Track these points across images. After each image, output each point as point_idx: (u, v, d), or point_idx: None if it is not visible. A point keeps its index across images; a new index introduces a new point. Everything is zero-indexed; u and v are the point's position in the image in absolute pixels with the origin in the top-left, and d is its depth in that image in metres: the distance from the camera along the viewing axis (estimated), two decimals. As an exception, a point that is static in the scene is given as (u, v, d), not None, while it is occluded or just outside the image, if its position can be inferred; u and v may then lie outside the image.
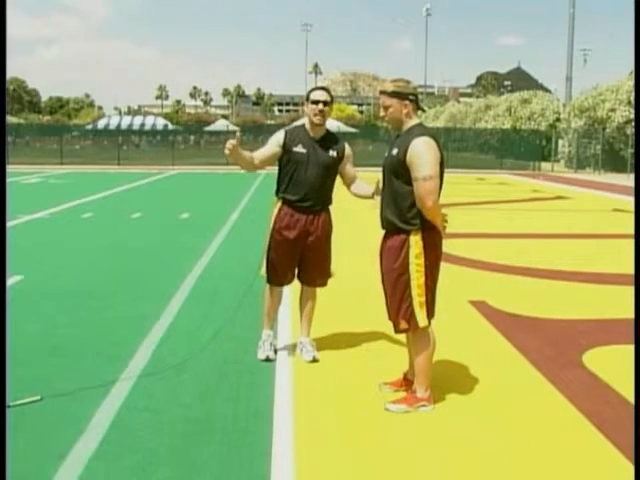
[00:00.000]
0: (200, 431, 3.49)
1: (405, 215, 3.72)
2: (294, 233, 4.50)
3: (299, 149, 4.45)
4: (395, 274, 3.77)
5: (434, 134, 3.80)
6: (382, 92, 3.82)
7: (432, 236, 3.75)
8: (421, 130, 3.75)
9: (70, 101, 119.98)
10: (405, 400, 3.84)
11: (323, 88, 4.57)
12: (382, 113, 3.88)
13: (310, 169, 4.45)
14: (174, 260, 8.29)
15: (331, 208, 4.68)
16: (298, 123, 4.70)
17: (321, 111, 4.40)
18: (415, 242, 3.71)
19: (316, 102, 4.40)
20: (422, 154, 3.62)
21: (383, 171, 3.89)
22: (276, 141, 4.51)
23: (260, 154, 4.53)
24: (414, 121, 3.79)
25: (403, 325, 3.81)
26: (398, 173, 3.72)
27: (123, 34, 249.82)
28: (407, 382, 4.04)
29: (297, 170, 4.46)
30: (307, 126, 4.52)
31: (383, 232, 3.92)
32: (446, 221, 3.78)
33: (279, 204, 4.56)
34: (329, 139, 4.55)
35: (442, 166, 3.72)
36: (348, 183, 4.63)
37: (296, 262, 4.61)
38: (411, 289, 3.74)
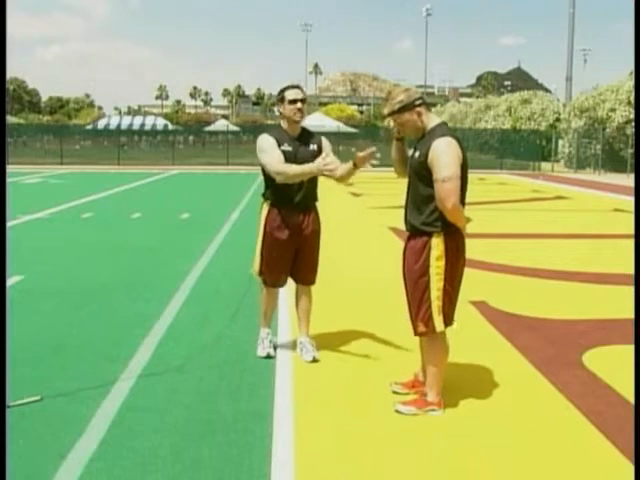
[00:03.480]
0: (200, 431, 3.49)
1: (428, 217, 3.67)
2: (287, 233, 4.51)
3: (286, 147, 4.47)
4: (416, 275, 3.73)
5: (456, 134, 3.74)
6: (390, 114, 3.74)
7: (455, 240, 3.71)
8: (442, 130, 3.68)
9: (70, 101, 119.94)
10: (415, 402, 3.81)
11: (297, 86, 4.57)
12: (402, 132, 3.83)
13: None
14: (174, 260, 8.29)
15: (318, 205, 4.68)
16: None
17: (299, 109, 4.44)
18: (437, 244, 3.65)
19: (294, 101, 4.43)
20: (442, 155, 3.57)
21: (409, 174, 3.84)
22: (273, 143, 4.47)
23: (279, 160, 4.42)
24: (434, 121, 3.73)
25: (421, 328, 3.75)
26: (421, 175, 3.68)
27: (123, 34, 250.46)
28: (418, 383, 4.01)
29: None
30: (284, 126, 4.53)
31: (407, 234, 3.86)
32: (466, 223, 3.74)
33: (267, 207, 4.56)
34: (307, 135, 4.59)
35: (465, 167, 3.66)
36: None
37: (290, 262, 4.62)
38: (430, 292, 3.68)
